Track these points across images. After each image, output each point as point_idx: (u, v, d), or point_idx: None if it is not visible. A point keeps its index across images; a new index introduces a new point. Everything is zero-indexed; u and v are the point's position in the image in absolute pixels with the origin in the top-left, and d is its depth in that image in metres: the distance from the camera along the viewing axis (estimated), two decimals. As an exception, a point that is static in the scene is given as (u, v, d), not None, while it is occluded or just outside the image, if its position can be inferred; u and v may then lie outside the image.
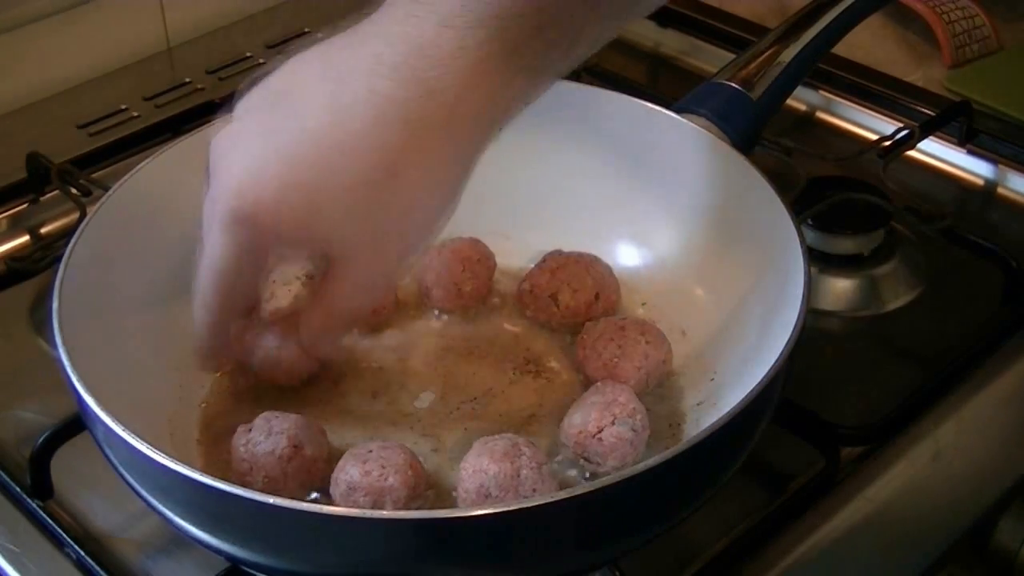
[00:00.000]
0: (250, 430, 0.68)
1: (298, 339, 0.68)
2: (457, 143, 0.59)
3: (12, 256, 0.91)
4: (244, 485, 0.65)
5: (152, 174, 0.77)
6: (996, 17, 1.14)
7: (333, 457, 0.68)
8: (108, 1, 1.09)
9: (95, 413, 0.61)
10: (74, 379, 0.62)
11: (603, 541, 0.61)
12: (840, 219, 0.90)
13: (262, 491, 0.60)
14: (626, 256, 0.82)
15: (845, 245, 0.90)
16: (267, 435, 0.66)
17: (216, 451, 0.71)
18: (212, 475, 0.57)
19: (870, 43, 1.14)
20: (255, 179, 0.59)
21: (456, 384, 0.75)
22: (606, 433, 0.67)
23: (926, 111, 1.02)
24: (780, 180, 0.75)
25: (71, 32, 1.08)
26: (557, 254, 0.79)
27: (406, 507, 0.64)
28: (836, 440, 0.75)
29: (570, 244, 0.80)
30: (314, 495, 0.68)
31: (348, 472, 0.65)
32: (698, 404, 0.73)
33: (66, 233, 0.84)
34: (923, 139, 0.99)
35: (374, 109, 0.57)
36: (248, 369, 0.74)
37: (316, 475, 0.67)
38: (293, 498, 0.62)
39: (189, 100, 1.07)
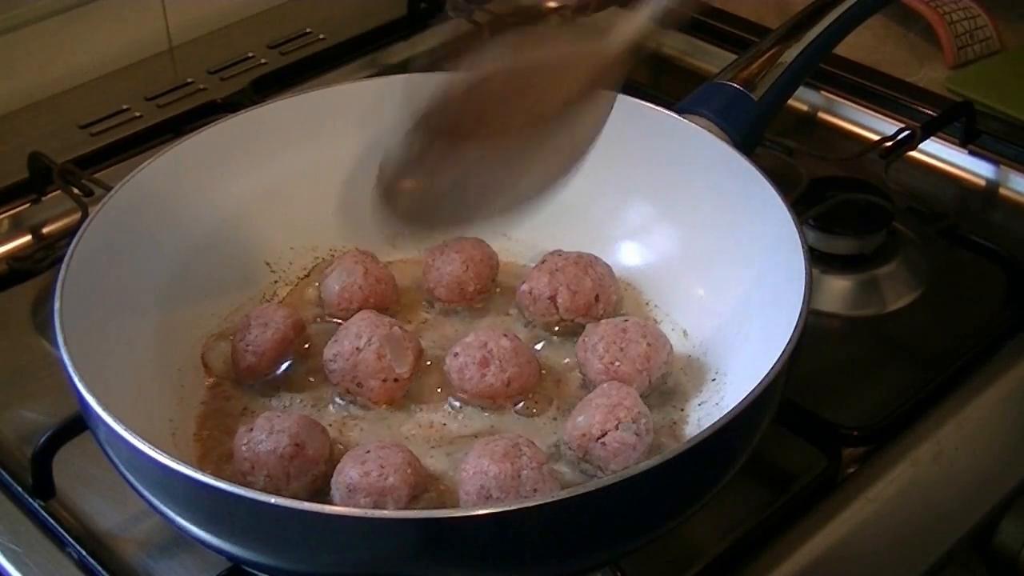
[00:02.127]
0: (251, 429, 0.68)
1: None
2: None
3: (14, 256, 0.91)
4: (246, 485, 0.65)
5: (154, 174, 0.77)
6: (998, 18, 1.14)
7: (335, 456, 0.68)
8: (110, 1, 1.09)
9: (97, 413, 0.61)
10: (76, 379, 0.62)
11: (604, 541, 0.61)
12: (841, 219, 0.90)
13: (264, 490, 0.61)
14: (627, 256, 0.82)
15: (846, 245, 0.90)
16: (269, 434, 0.67)
17: (217, 451, 0.71)
18: (213, 475, 0.57)
19: (872, 43, 1.14)
20: None
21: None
22: (609, 437, 0.67)
23: (928, 111, 1.02)
24: (782, 180, 0.75)
25: (73, 32, 1.08)
26: (557, 254, 0.79)
27: (407, 507, 0.64)
28: (838, 440, 0.75)
29: (571, 244, 0.80)
30: (315, 495, 0.68)
31: (347, 473, 0.65)
32: (700, 404, 0.73)
33: (68, 233, 0.84)
34: (925, 139, 0.99)
35: None
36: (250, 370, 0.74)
37: (318, 474, 0.67)
38: (294, 498, 0.62)
39: (191, 100, 1.07)
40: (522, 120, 0.58)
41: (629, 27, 0.59)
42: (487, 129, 0.58)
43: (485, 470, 0.64)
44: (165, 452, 0.58)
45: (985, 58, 1.13)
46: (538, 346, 0.78)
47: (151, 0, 1.12)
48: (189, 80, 1.10)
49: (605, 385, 0.70)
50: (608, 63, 0.59)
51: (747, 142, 0.80)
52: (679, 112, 0.81)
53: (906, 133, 0.98)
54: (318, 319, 0.80)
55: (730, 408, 0.60)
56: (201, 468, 0.65)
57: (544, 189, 0.60)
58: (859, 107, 1.06)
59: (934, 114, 1.01)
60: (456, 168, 0.58)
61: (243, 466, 0.67)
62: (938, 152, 1.02)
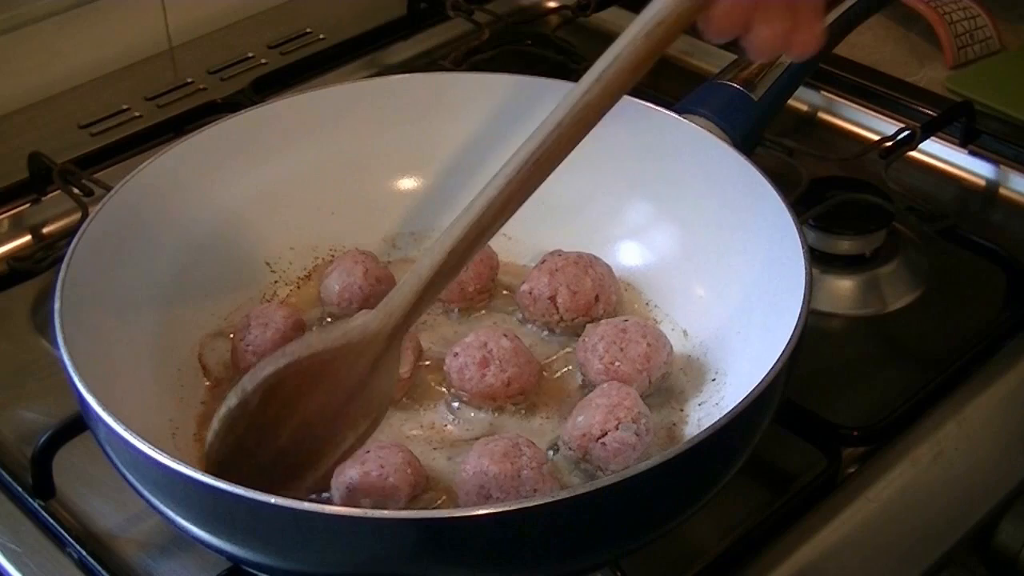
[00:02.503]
0: None
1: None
2: None
3: (14, 256, 0.91)
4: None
5: (154, 174, 0.77)
6: (998, 18, 1.14)
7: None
8: (110, 1, 1.09)
9: (97, 413, 0.61)
10: (76, 379, 0.62)
11: (604, 541, 0.61)
12: (841, 219, 0.90)
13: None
14: (627, 256, 0.82)
15: (846, 245, 0.90)
16: None
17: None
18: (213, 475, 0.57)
19: (872, 43, 1.14)
20: None
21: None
22: (609, 437, 0.67)
23: (928, 111, 1.02)
24: (781, 180, 0.75)
25: (73, 32, 1.08)
26: (557, 254, 0.79)
27: (407, 507, 0.64)
28: (838, 441, 0.75)
29: (571, 243, 0.80)
30: (315, 495, 0.68)
31: (347, 474, 0.65)
32: (699, 404, 0.73)
33: (68, 233, 0.84)
34: (924, 139, 0.99)
35: None
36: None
37: (318, 475, 0.67)
38: (295, 498, 0.62)
39: (191, 100, 1.07)
40: (321, 401, 0.66)
41: (385, 319, 0.66)
42: (292, 415, 0.66)
43: (485, 470, 0.64)
44: (165, 452, 0.58)
45: (985, 58, 1.13)
46: (538, 346, 0.78)
47: (151, 0, 1.12)
48: (189, 80, 1.10)
49: (605, 385, 0.70)
50: (379, 350, 0.66)
51: (747, 142, 0.80)
52: (679, 112, 0.81)
53: (906, 133, 0.98)
54: (318, 319, 0.80)
55: (730, 408, 0.60)
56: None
57: (361, 440, 0.67)
58: (859, 107, 1.06)
59: (934, 114, 1.01)
60: (274, 447, 0.66)
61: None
62: (938, 152, 1.02)
